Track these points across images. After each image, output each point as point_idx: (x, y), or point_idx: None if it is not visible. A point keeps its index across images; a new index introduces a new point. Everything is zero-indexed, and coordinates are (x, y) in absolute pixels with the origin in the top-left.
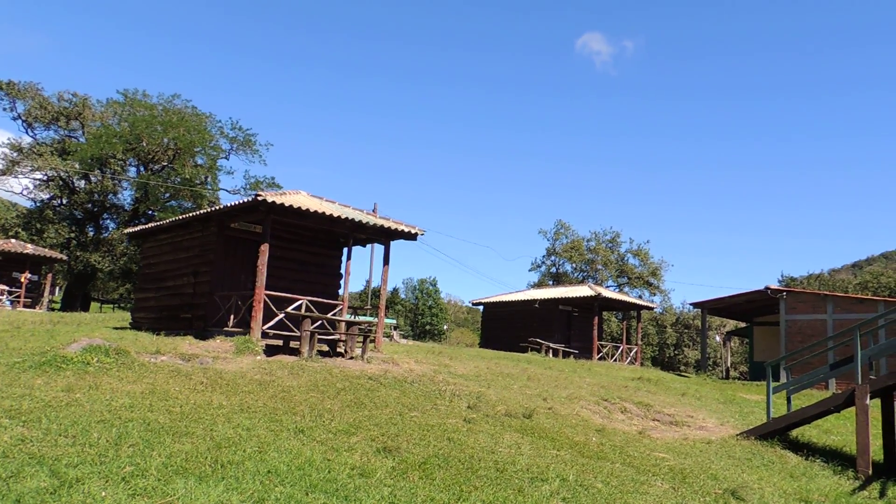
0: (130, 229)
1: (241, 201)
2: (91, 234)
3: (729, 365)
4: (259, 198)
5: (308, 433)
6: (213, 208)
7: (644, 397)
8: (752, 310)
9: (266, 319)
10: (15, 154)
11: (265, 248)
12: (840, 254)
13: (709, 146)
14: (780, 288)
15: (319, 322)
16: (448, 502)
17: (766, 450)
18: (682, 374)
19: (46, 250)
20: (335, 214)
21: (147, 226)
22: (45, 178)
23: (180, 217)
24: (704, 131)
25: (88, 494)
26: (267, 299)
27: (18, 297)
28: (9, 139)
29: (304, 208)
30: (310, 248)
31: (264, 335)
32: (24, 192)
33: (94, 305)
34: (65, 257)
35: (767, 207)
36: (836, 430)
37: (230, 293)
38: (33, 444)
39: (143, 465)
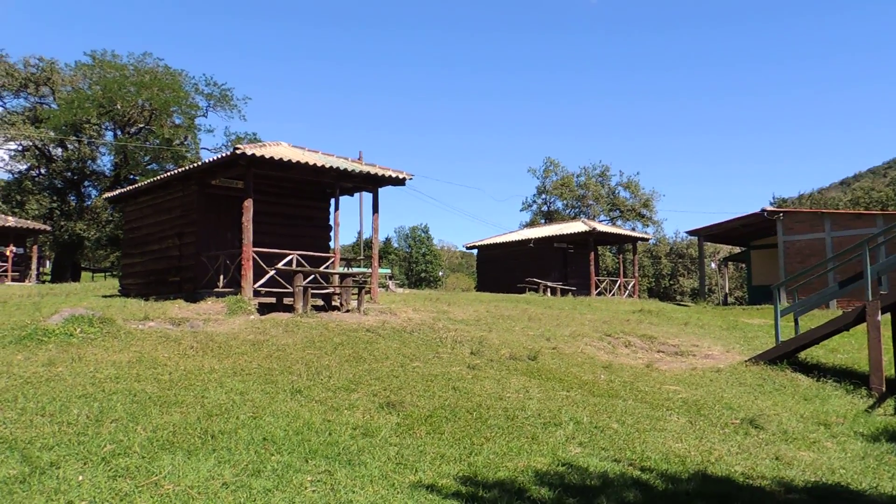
0: (109, 194)
1: (220, 156)
2: (74, 202)
3: (727, 291)
4: (238, 151)
5: (305, 393)
6: (191, 166)
7: (647, 329)
8: (748, 234)
9: (257, 277)
10: None
11: (249, 203)
12: (827, 173)
13: (694, 74)
14: (777, 209)
15: (312, 276)
16: (460, 457)
17: (776, 374)
18: (681, 303)
19: (29, 222)
20: (319, 164)
21: (126, 189)
22: (20, 148)
23: (158, 178)
24: (688, 59)
25: (63, 480)
26: (256, 256)
27: (6, 271)
28: None
29: (286, 159)
30: (296, 201)
31: (256, 293)
32: (0, 165)
33: (85, 275)
34: (49, 228)
35: (754, 132)
36: (842, 349)
37: (218, 253)
38: (6, 427)
39: (126, 442)
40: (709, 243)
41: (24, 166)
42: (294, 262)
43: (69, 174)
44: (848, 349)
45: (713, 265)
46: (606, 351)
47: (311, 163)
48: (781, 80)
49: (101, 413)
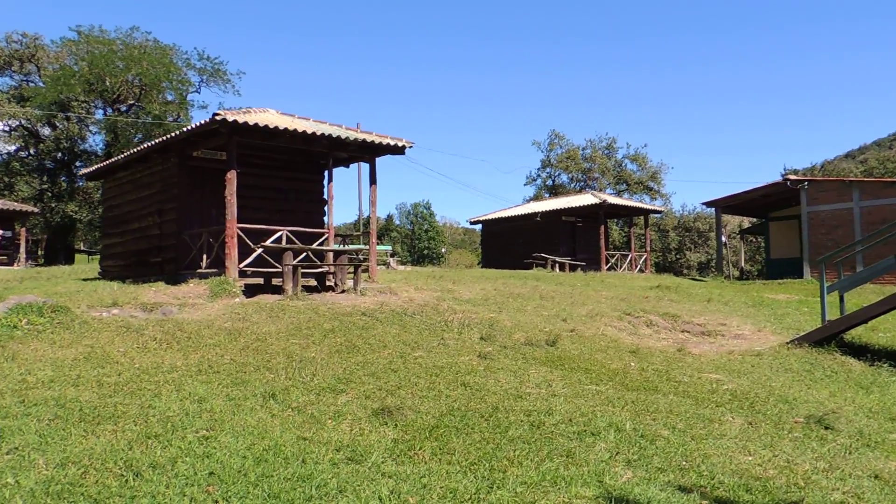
0: (87, 170)
1: (199, 123)
2: (65, 183)
3: (742, 265)
4: (218, 117)
5: (281, 397)
6: (169, 136)
7: (668, 307)
8: (767, 205)
9: (243, 256)
10: None
11: (232, 175)
12: (832, 145)
13: (701, 40)
14: (801, 178)
15: (304, 254)
16: (477, 494)
17: (824, 358)
18: (695, 279)
19: (15, 204)
20: (309, 131)
21: (103, 164)
22: (7, 128)
23: (136, 150)
24: (695, 25)
25: None
26: (241, 233)
27: None
28: None
29: (272, 126)
30: (287, 173)
31: (242, 274)
32: None
33: (81, 257)
34: (37, 210)
35: (759, 102)
36: (881, 327)
37: (200, 231)
38: None
39: (1, 494)
40: (729, 215)
41: (13, 147)
42: (283, 238)
43: (59, 154)
44: (888, 326)
45: (723, 238)
46: (629, 332)
47: (300, 130)
48: (785, 48)
49: (0, 437)
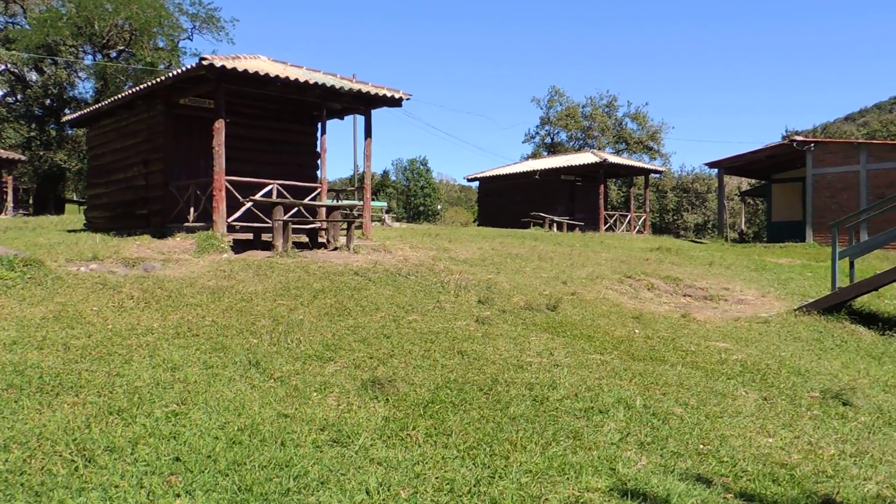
0: (69, 116)
1: (185, 68)
2: (53, 131)
3: (742, 228)
4: (205, 62)
5: (264, 365)
6: (154, 81)
7: (669, 270)
8: (770, 166)
9: (232, 210)
10: None
11: (220, 125)
12: (831, 107)
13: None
14: (806, 139)
15: (295, 209)
16: (476, 485)
17: (833, 326)
18: (696, 241)
19: (2, 151)
20: (302, 79)
21: (86, 111)
22: None
23: (119, 96)
24: None
25: None
26: (229, 186)
27: None
28: None
29: (262, 73)
30: (279, 124)
31: (231, 229)
32: None
33: (72, 207)
34: (24, 157)
35: (759, 62)
36: (888, 294)
37: (187, 182)
38: None
39: None
40: (733, 175)
41: (1, 93)
42: (274, 192)
43: (47, 101)
44: (894, 293)
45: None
46: (630, 296)
47: (292, 78)
48: (784, 9)
49: None
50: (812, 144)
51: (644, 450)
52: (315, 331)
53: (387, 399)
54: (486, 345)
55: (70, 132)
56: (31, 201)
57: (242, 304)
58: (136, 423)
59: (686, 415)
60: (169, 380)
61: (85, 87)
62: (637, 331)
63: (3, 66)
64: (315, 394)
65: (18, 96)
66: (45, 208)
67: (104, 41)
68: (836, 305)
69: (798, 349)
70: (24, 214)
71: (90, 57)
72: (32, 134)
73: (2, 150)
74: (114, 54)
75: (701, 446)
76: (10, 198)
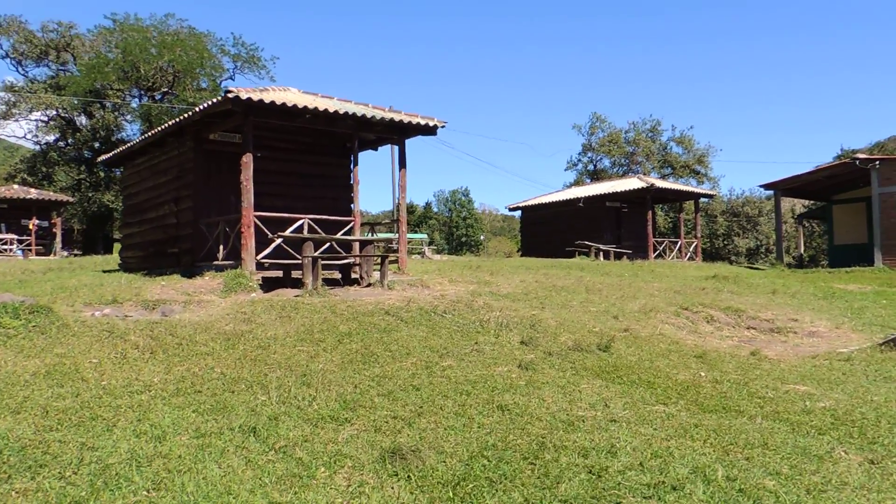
0: (104, 156)
1: (211, 102)
2: (102, 173)
3: (802, 252)
4: (231, 95)
5: (265, 432)
6: (182, 117)
7: (728, 300)
8: (830, 186)
9: (262, 247)
10: (11, 96)
11: (248, 159)
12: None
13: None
14: (871, 157)
15: (327, 245)
16: None
17: None
18: (752, 267)
19: (52, 193)
20: (332, 110)
21: (120, 150)
22: (45, 118)
23: (150, 134)
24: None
25: None
26: (258, 222)
27: (29, 245)
28: (3, 81)
29: (290, 104)
30: (311, 157)
31: (260, 266)
32: (28, 136)
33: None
34: (72, 199)
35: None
36: None
37: (216, 219)
38: None
39: None
40: (768, 201)
41: (52, 137)
42: (305, 227)
43: (96, 144)
44: None
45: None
46: (689, 330)
47: (321, 108)
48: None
49: None
50: (877, 162)
51: None
52: (334, 383)
53: (409, 476)
54: (531, 396)
55: (117, 173)
56: (63, 242)
57: (258, 352)
58: None
59: (781, 489)
60: (149, 454)
61: (132, 129)
62: (703, 373)
63: (55, 112)
64: (322, 470)
65: (69, 140)
66: (94, 248)
67: (149, 84)
68: None
69: (892, 393)
70: (73, 255)
71: (136, 100)
72: (82, 176)
73: (51, 193)
74: (158, 96)
75: None
76: (58, 238)
